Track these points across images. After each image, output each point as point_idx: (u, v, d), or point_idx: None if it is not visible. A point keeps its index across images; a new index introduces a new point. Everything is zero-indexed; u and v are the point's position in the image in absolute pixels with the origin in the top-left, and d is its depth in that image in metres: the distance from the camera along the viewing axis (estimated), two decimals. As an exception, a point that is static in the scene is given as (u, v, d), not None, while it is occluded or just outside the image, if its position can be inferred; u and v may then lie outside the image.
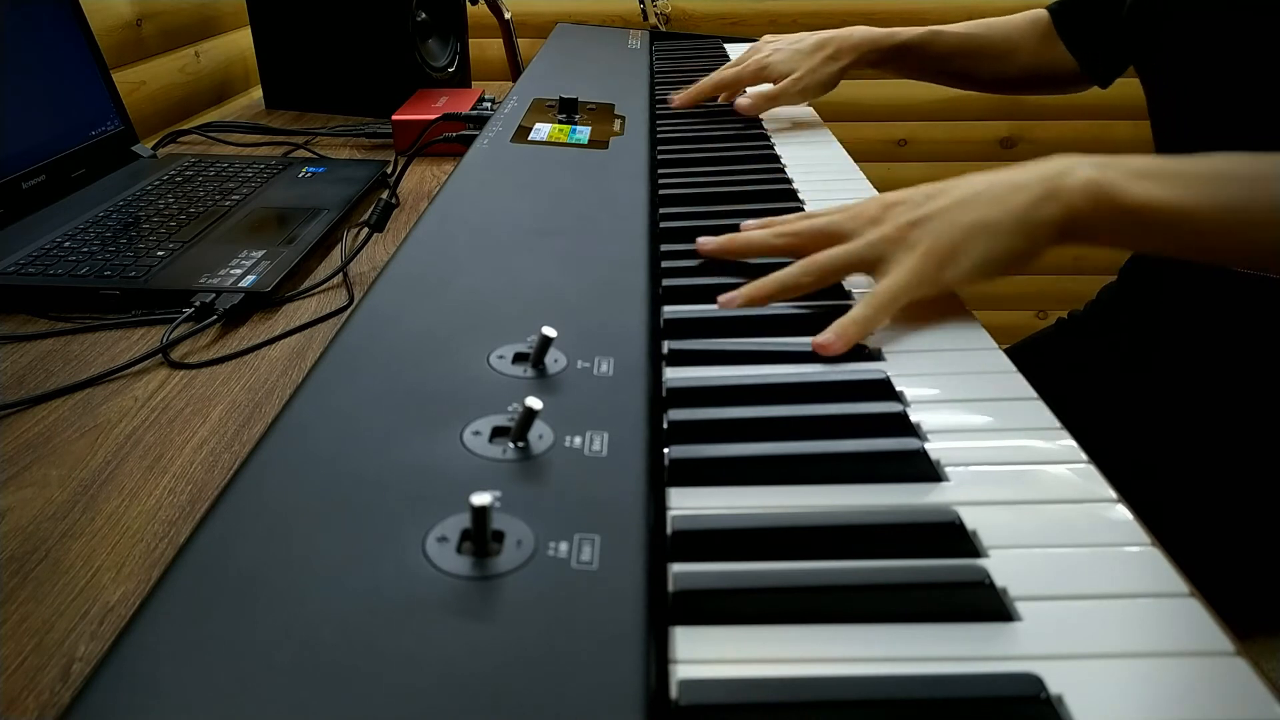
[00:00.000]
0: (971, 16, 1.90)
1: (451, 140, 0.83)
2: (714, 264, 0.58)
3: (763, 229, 0.56)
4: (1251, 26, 0.65)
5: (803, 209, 0.68)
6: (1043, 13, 0.93)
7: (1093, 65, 0.90)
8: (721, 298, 0.52)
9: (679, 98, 0.97)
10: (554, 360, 0.41)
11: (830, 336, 0.47)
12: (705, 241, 0.58)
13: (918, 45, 0.93)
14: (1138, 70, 0.81)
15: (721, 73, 0.97)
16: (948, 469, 0.38)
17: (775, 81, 0.93)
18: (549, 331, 0.40)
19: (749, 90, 0.95)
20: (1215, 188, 0.46)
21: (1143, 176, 0.47)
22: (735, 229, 0.60)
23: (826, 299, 0.54)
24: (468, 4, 1.34)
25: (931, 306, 0.53)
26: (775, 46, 0.95)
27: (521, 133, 0.76)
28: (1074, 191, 0.47)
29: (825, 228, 0.53)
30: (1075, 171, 0.48)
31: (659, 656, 0.29)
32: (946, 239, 0.48)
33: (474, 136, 0.77)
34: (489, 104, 1.12)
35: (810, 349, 0.47)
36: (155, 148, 1.05)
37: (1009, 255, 0.48)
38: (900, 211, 0.51)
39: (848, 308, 0.52)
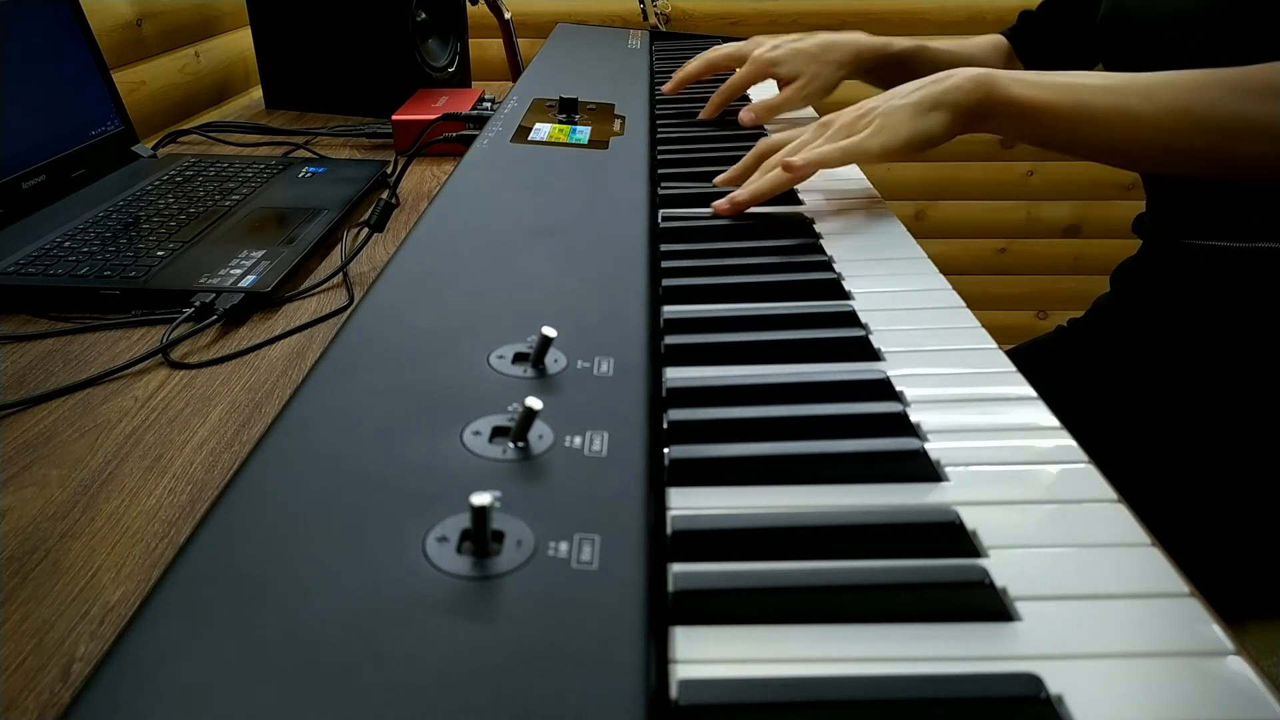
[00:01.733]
0: (971, 17, 1.90)
1: (451, 140, 0.83)
2: (714, 263, 0.58)
3: (758, 180, 0.66)
4: (1202, 38, 0.69)
5: (802, 207, 0.69)
6: (1002, 38, 0.99)
7: None
8: (716, 204, 0.66)
9: (669, 84, 0.99)
10: (554, 360, 0.41)
11: (799, 159, 0.63)
12: (719, 204, 0.66)
13: (908, 56, 0.95)
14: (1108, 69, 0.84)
15: (713, 54, 0.96)
16: (948, 469, 0.38)
17: (780, 80, 0.92)
18: (549, 331, 0.40)
19: (752, 101, 0.94)
20: (1071, 92, 0.62)
21: (1018, 81, 0.63)
22: (735, 229, 0.64)
23: (826, 299, 0.54)
24: (468, 4, 1.34)
25: (932, 306, 0.53)
26: (775, 43, 0.94)
27: (521, 133, 0.77)
28: (968, 81, 0.63)
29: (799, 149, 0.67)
30: (969, 71, 0.64)
31: (659, 656, 0.29)
32: (889, 121, 0.64)
33: (474, 136, 0.77)
34: (489, 104, 1.12)
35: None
36: (155, 148, 1.05)
37: (931, 129, 0.63)
38: (845, 114, 0.66)
39: (850, 310, 0.52)
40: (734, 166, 0.71)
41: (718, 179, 0.72)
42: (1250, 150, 0.59)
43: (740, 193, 0.65)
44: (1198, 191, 0.76)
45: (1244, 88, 0.58)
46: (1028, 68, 0.96)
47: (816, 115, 0.98)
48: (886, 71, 0.96)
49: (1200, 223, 0.76)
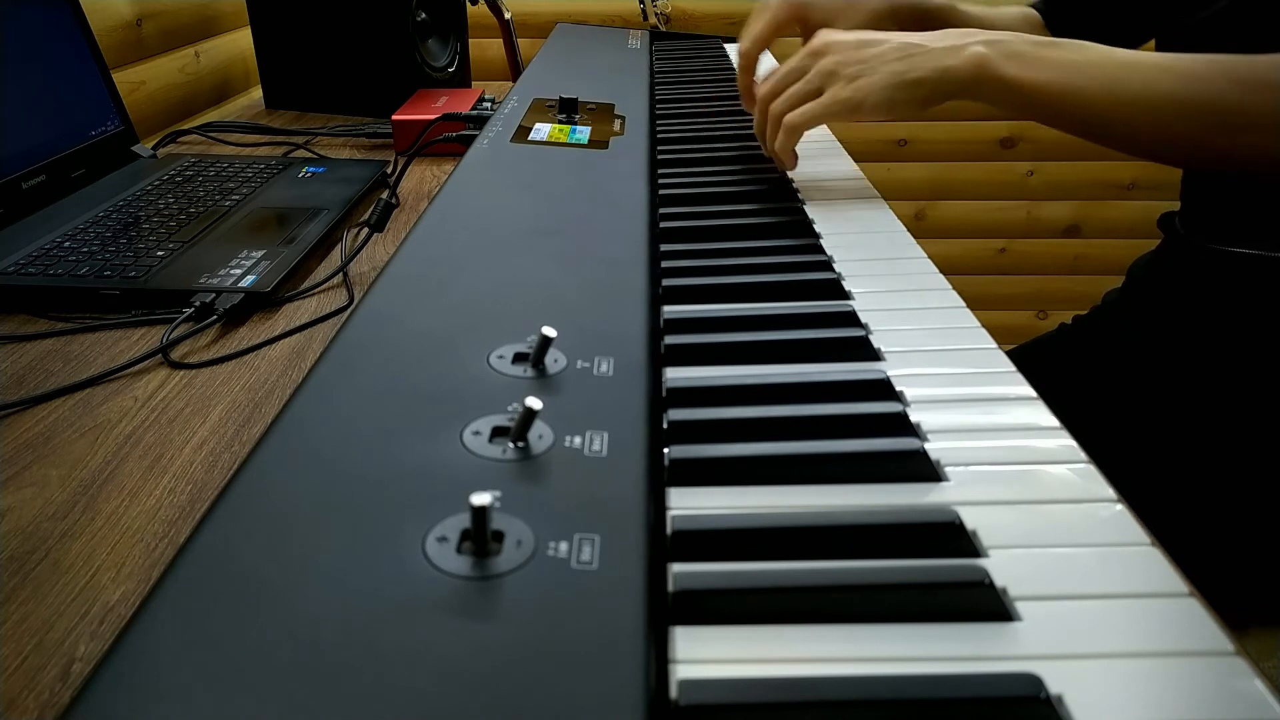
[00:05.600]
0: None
1: (451, 140, 0.83)
2: (715, 263, 0.58)
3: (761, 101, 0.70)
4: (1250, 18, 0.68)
5: (803, 208, 0.69)
6: (1032, 12, 0.95)
7: None
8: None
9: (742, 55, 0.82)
10: (554, 360, 0.41)
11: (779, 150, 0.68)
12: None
13: (940, 14, 0.88)
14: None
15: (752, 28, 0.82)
16: (948, 469, 0.38)
17: (811, 24, 0.83)
18: (549, 331, 0.40)
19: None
20: (1066, 72, 0.61)
21: (1014, 58, 0.61)
22: (735, 229, 0.65)
23: (826, 299, 0.54)
24: (468, 4, 1.34)
25: (932, 306, 0.53)
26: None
27: (521, 133, 0.77)
28: (966, 60, 0.62)
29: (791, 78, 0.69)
30: (968, 48, 0.62)
31: (659, 656, 0.29)
32: (878, 80, 0.63)
33: (474, 136, 0.77)
34: (489, 104, 1.12)
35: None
36: (155, 148, 1.05)
37: (918, 100, 0.63)
38: (831, 58, 0.66)
39: (850, 310, 0.52)
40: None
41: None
42: (1246, 142, 0.59)
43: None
44: (1240, 198, 0.75)
45: (1244, 79, 0.58)
46: None
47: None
48: (915, 26, 0.89)
49: (1239, 229, 0.75)
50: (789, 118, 0.67)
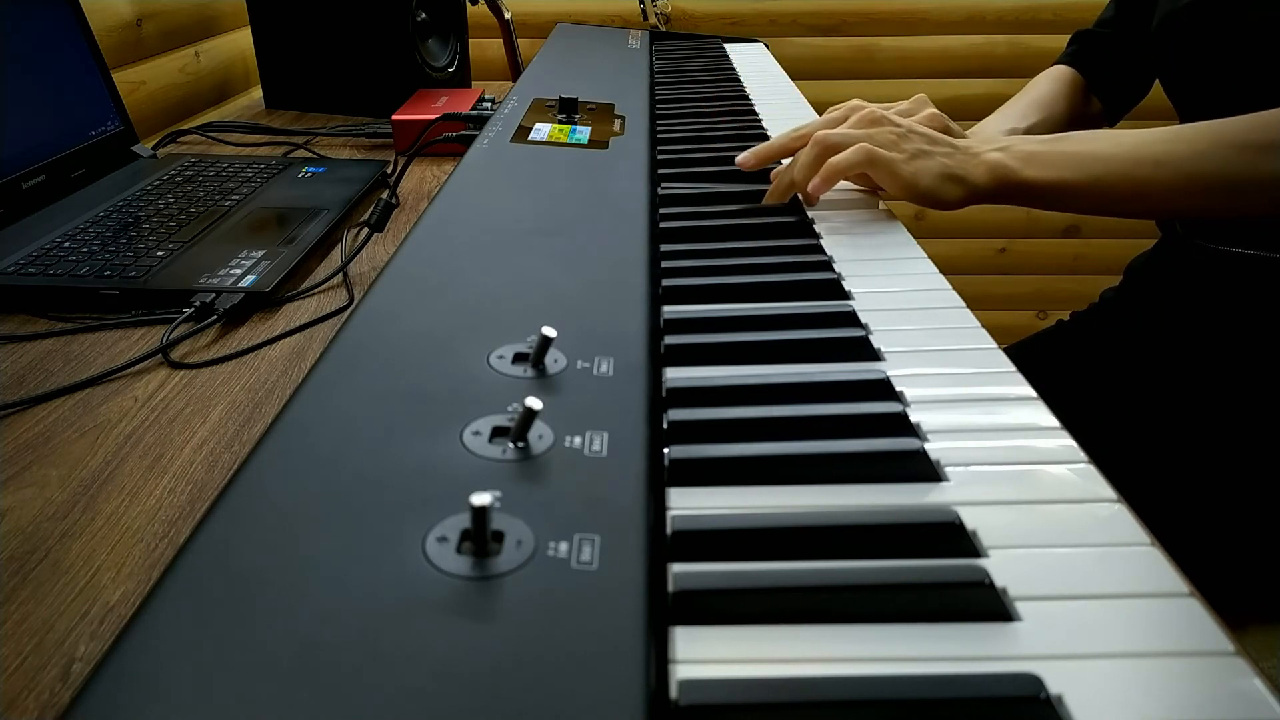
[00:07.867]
0: (971, 16, 1.89)
1: (451, 140, 0.83)
2: (715, 263, 0.58)
3: (796, 164, 0.67)
4: (1251, 38, 0.69)
5: (802, 208, 0.68)
6: (1070, 69, 0.94)
7: (1115, 106, 0.94)
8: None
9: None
10: (554, 360, 0.41)
11: (818, 181, 0.64)
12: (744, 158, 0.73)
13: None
14: (1164, 86, 0.83)
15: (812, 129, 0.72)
16: (948, 469, 0.38)
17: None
18: (549, 331, 0.40)
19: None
20: (1082, 167, 0.62)
21: (1031, 162, 0.63)
22: (735, 229, 0.64)
23: (826, 299, 0.54)
24: (468, 4, 1.34)
25: (932, 306, 0.53)
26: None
27: (521, 133, 0.77)
28: (983, 169, 0.63)
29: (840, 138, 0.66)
30: (984, 155, 0.64)
31: (659, 656, 0.29)
32: (924, 167, 0.63)
33: (474, 136, 0.77)
34: (489, 104, 1.13)
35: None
36: (155, 148, 1.05)
37: (946, 197, 0.64)
38: (890, 128, 0.65)
39: (850, 310, 0.52)
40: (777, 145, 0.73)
41: (741, 158, 0.74)
42: (1258, 202, 0.62)
43: (816, 182, 0.64)
44: None
45: (1248, 144, 0.60)
46: (1099, 93, 0.93)
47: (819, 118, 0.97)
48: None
49: (1236, 229, 0.75)
50: (871, 149, 0.63)
